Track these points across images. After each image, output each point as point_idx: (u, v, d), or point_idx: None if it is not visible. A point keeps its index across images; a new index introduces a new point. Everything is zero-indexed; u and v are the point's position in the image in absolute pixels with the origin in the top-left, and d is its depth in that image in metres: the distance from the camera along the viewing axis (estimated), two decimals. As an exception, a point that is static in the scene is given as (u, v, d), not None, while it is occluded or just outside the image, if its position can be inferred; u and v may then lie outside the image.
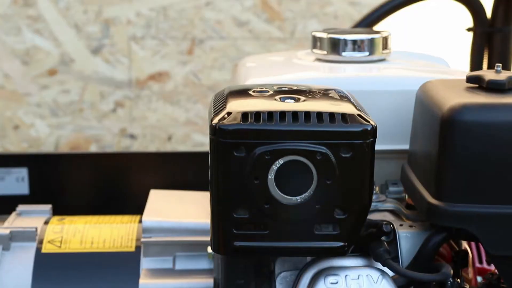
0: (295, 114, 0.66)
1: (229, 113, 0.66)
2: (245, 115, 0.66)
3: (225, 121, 0.66)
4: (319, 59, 0.91)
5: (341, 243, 0.68)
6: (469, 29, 1.19)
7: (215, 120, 0.66)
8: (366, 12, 1.15)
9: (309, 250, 0.69)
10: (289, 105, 0.67)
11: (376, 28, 1.13)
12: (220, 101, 0.70)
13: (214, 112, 0.68)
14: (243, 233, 0.68)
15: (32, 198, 1.21)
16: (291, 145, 0.66)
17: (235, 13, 1.64)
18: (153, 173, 1.25)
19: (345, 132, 0.66)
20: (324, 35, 0.89)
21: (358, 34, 0.89)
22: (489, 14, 1.17)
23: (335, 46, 0.89)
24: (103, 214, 0.97)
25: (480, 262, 0.93)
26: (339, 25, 1.66)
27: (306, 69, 0.90)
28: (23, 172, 1.21)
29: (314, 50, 0.91)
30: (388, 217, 0.79)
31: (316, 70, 0.89)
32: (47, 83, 1.63)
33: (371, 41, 0.89)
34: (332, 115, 0.66)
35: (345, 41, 0.88)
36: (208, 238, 0.86)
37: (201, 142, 1.68)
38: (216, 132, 0.66)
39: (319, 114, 0.66)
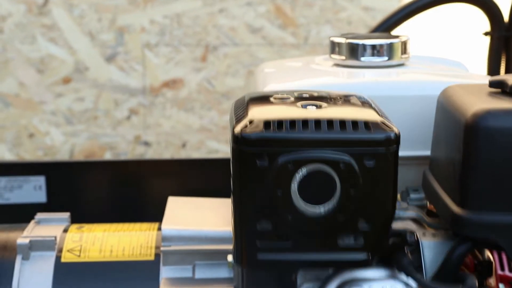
0: (317, 121, 0.65)
1: (251, 121, 0.66)
2: (267, 123, 0.65)
3: (247, 129, 0.65)
4: (337, 64, 0.91)
5: (365, 255, 0.67)
6: (486, 33, 1.18)
7: (237, 129, 0.65)
8: (381, 17, 1.15)
9: (333, 262, 0.68)
10: (312, 112, 0.67)
11: (393, 32, 1.13)
12: (241, 109, 0.70)
13: (235, 120, 0.68)
14: (266, 245, 0.67)
15: (49, 206, 1.21)
16: (314, 153, 0.65)
17: (248, 19, 1.64)
18: (169, 180, 1.25)
19: (368, 139, 0.65)
20: (342, 40, 0.89)
21: (377, 39, 0.89)
22: (506, 18, 1.16)
23: (354, 51, 0.88)
24: (120, 221, 0.97)
25: (502, 269, 0.92)
26: (352, 30, 1.65)
27: (325, 74, 0.89)
28: (40, 180, 1.21)
29: (333, 56, 0.91)
30: (411, 225, 0.78)
31: (335, 75, 0.89)
32: (62, 91, 1.63)
33: (390, 46, 0.88)
34: (355, 122, 0.65)
35: (364, 46, 0.88)
36: (228, 247, 0.85)
37: (215, 148, 1.68)
38: (239, 140, 0.65)
39: (342, 122, 0.65)
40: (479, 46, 1.24)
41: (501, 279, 0.90)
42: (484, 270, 0.76)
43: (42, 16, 1.60)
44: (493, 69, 1.19)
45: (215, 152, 1.68)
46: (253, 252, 0.67)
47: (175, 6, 1.63)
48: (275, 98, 0.71)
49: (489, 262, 0.76)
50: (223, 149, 1.68)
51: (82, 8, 1.61)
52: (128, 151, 1.66)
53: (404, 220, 0.78)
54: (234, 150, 0.66)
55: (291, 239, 0.67)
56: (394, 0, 1.65)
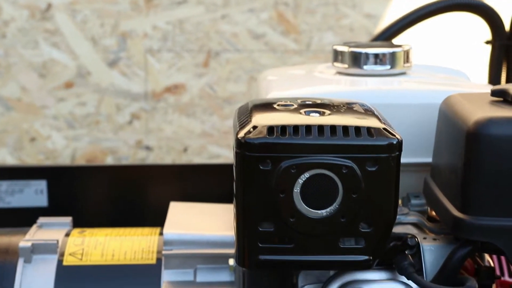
0: (320, 127, 0.66)
1: (254, 127, 0.66)
2: (271, 129, 0.66)
3: (251, 134, 0.66)
4: (340, 73, 0.91)
5: (366, 257, 0.68)
6: (487, 42, 1.18)
7: (241, 134, 0.66)
8: (383, 25, 1.15)
9: (334, 264, 0.69)
10: (315, 119, 0.68)
11: (395, 41, 1.13)
12: (245, 115, 0.71)
13: (239, 126, 0.68)
14: (268, 247, 0.68)
15: (50, 210, 1.22)
16: (317, 158, 0.66)
17: (251, 26, 1.65)
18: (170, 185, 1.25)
19: (370, 145, 0.66)
20: (345, 48, 0.90)
21: (379, 48, 0.89)
22: (507, 27, 1.17)
23: (357, 59, 0.89)
24: (121, 225, 0.97)
25: (502, 274, 0.93)
26: (354, 37, 1.66)
27: (328, 82, 0.90)
28: (42, 184, 1.21)
29: (335, 64, 0.91)
30: (411, 230, 0.79)
31: (338, 83, 0.89)
32: (64, 96, 1.64)
33: (393, 54, 0.89)
34: (357, 128, 0.66)
35: (367, 54, 0.88)
36: (229, 251, 0.86)
37: (216, 153, 1.69)
38: (242, 145, 0.66)
39: (345, 128, 0.66)
40: (480, 55, 1.24)
41: (501, 284, 0.90)
42: (486, 275, 0.76)
43: (44, 21, 1.61)
44: (494, 77, 1.19)
45: (216, 157, 1.69)
46: (254, 253, 0.68)
47: (177, 12, 1.64)
48: (278, 105, 0.72)
49: (490, 268, 0.77)
50: (224, 154, 1.68)
51: (85, 14, 1.61)
52: (129, 155, 1.67)
53: (405, 225, 0.79)
54: (237, 155, 0.66)
55: (293, 241, 0.67)
56: (395, 7, 1.66)
